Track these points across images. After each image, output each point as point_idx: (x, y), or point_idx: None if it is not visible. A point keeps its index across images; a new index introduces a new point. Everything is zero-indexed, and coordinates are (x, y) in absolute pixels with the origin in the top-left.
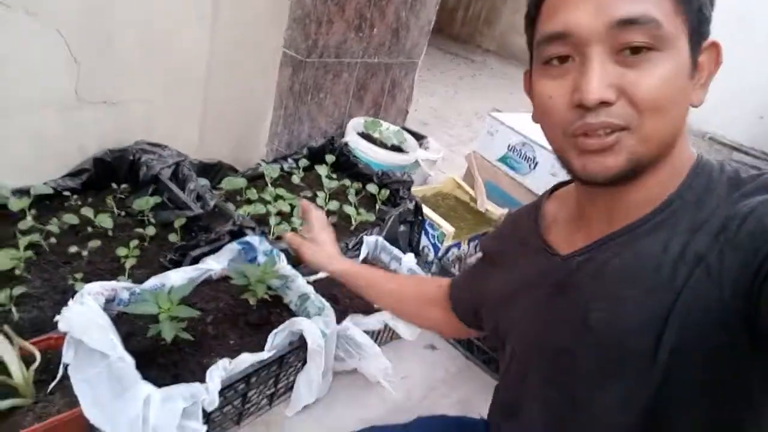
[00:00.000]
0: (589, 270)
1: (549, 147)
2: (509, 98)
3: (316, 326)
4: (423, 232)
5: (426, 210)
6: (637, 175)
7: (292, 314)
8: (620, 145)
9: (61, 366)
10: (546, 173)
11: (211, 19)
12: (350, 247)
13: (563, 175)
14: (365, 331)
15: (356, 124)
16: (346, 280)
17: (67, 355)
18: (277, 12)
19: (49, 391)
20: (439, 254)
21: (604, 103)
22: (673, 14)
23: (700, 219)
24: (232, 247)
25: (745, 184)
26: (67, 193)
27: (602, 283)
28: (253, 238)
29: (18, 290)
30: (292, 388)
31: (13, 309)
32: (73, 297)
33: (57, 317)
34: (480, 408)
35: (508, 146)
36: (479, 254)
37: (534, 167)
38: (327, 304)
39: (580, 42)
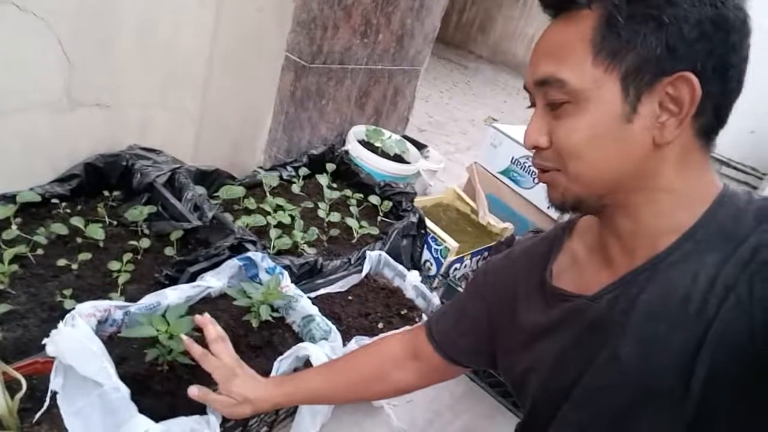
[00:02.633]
0: (619, 307)
1: None
2: (503, 106)
3: (323, 351)
4: (425, 245)
5: (429, 224)
6: (588, 208)
7: (295, 335)
8: (555, 182)
9: (49, 393)
10: None
11: (212, 20)
12: (352, 261)
13: None
14: None
15: (357, 132)
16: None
17: (56, 383)
18: (281, 15)
19: (35, 420)
20: (442, 270)
21: (538, 147)
22: (591, 67)
23: (728, 249)
24: (233, 264)
25: None
26: (55, 201)
27: (632, 319)
28: (255, 255)
29: (2, 308)
30: (293, 413)
31: None
32: (61, 315)
33: (45, 340)
34: None
35: (512, 159)
36: (470, 288)
37: (537, 181)
38: (333, 327)
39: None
